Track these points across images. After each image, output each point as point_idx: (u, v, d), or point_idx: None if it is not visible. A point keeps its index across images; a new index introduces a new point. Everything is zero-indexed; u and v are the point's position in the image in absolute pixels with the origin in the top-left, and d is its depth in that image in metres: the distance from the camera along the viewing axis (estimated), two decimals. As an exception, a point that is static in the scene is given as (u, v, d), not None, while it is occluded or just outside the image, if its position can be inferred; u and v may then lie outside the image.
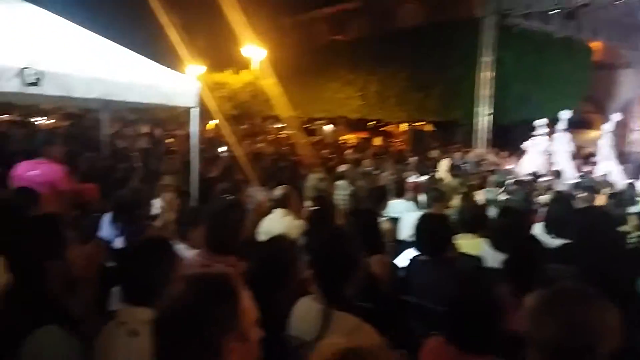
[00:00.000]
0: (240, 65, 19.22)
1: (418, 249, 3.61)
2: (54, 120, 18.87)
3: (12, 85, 4.88)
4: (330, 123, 23.07)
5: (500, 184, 8.13)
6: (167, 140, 13.12)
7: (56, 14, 6.13)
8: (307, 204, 5.32)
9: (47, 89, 5.07)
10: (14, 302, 2.11)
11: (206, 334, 1.34)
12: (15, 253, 2.16)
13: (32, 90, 4.99)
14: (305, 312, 2.49)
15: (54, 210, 3.72)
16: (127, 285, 2.14)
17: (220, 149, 10.37)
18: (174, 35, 15.43)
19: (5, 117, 16.74)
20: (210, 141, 11.01)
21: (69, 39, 5.81)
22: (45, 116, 19.55)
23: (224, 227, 3.08)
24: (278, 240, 2.80)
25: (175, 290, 1.43)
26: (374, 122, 21.39)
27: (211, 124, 17.42)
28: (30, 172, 5.00)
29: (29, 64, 4.94)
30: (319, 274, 2.54)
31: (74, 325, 2.06)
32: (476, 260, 3.80)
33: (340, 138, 20.23)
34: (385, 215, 5.49)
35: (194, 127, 6.35)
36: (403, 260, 3.94)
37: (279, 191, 4.90)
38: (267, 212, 4.95)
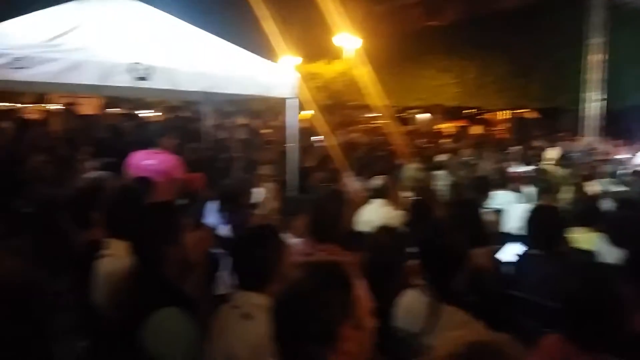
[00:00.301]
0: (334, 55, 19.27)
1: (528, 242, 3.43)
2: (158, 113, 19.94)
3: (124, 80, 5.20)
4: (425, 112, 22.60)
5: (613, 175, 7.57)
6: (263, 131, 13.44)
7: (159, 9, 6.42)
8: (405, 194, 5.23)
9: (155, 82, 5.35)
10: (136, 283, 2.24)
11: (322, 320, 1.35)
12: (137, 238, 2.29)
13: (142, 84, 5.30)
14: (411, 304, 2.45)
15: (166, 198, 3.92)
16: (239, 271, 2.20)
17: (314, 139, 10.48)
18: (268, 26, 15.75)
19: (115, 110, 18.00)
20: (304, 131, 11.16)
21: (174, 33, 6.07)
22: (150, 109, 20.75)
23: (327, 215, 3.09)
24: (386, 231, 2.76)
25: (292, 276, 1.44)
26: (471, 110, 20.70)
27: (304, 114, 17.67)
28: (146, 161, 5.31)
29: (139, 60, 5.24)
30: (425, 266, 2.48)
31: (190, 307, 2.16)
32: (591, 255, 3.56)
33: (436, 127, 19.77)
34: (489, 206, 5.28)
35: (291, 117, 6.43)
36: (507, 254, 3.78)
37: (377, 181, 4.86)
38: (364, 202, 4.93)
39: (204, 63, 5.73)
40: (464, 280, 2.46)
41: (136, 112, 17.38)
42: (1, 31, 5.24)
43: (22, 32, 5.27)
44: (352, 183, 6.08)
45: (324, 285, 1.38)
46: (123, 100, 18.58)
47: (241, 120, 15.48)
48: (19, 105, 19.92)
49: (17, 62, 4.80)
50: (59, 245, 4.66)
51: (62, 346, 3.45)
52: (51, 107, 19.68)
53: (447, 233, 2.58)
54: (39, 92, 17.86)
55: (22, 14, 5.62)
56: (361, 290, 1.43)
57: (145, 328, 2.09)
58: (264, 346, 1.83)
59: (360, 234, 3.71)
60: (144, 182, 3.65)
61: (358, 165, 6.95)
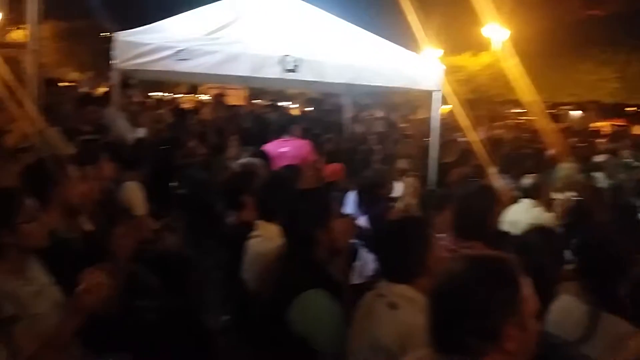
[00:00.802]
0: (479, 46, 18.47)
1: None
2: (295, 105, 20.65)
3: (275, 72, 5.45)
4: (579, 109, 20.88)
5: None
6: (401, 125, 13.30)
7: (307, 2, 6.56)
8: (557, 195, 4.86)
9: (303, 74, 5.54)
10: (286, 265, 2.32)
11: (486, 316, 1.29)
12: (290, 221, 2.37)
13: (291, 76, 5.50)
14: (566, 310, 2.28)
15: (307, 183, 4.02)
16: (384, 263, 2.18)
17: (456, 134, 10.14)
18: (410, 17, 15.48)
19: (258, 101, 18.98)
20: (444, 126, 10.87)
21: (320, 26, 6.20)
22: (289, 101, 21.55)
23: (474, 212, 2.96)
24: (540, 232, 2.59)
25: (453, 269, 1.38)
26: (633, 108, 18.72)
27: (444, 108, 17.15)
28: (281, 148, 5.62)
29: (288, 52, 5.44)
30: (584, 271, 2.30)
31: (336, 291, 2.20)
32: None
33: (591, 125, 18.17)
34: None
35: (435, 111, 6.30)
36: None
37: (527, 180, 4.57)
38: (511, 201, 4.67)
39: (349, 55, 5.80)
40: (627, 289, 2.24)
41: (278, 103, 18.15)
42: (166, 26, 5.74)
43: (185, 26, 5.72)
44: (497, 180, 5.78)
45: (490, 280, 1.32)
46: (265, 92, 19.56)
47: (378, 113, 15.48)
48: (174, 95, 21.86)
49: (180, 55, 5.23)
50: (210, 225, 5.02)
51: (209, 318, 3.72)
52: (202, 97, 21.33)
53: (611, 238, 2.37)
54: (193, 83, 19.40)
55: (185, 11, 6.09)
56: (528, 289, 1.34)
57: (293, 308, 2.16)
58: (411, 336, 1.84)
59: (507, 234, 3.51)
60: (293, 169, 3.79)
61: (504, 162, 6.58)
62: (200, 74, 6.14)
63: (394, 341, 1.90)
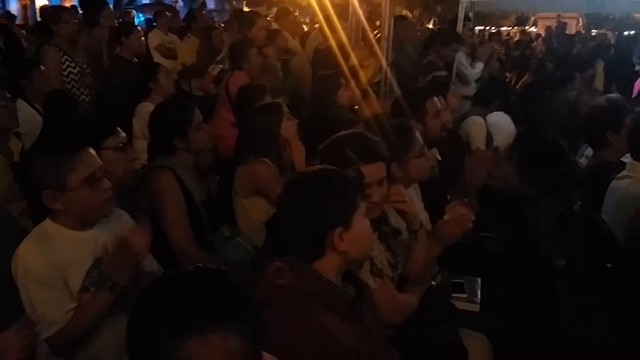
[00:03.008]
0: None
1: None
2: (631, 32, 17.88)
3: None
4: None
5: None
6: None
7: None
8: None
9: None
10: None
11: None
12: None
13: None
14: None
15: None
16: None
17: None
18: None
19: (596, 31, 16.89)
20: None
21: None
22: (633, 30, 18.67)
23: None
24: None
25: None
26: None
27: None
28: None
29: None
30: None
31: None
32: None
33: None
34: None
35: None
36: None
37: None
38: None
39: None
40: None
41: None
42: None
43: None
44: None
45: None
46: (607, 19, 17.50)
47: None
48: (500, 28, 20.95)
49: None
50: (549, 163, 4.83)
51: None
52: (530, 30, 20.05)
53: None
54: (525, 14, 18.32)
55: None
56: None
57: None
58: None
59: None
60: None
61: None
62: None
63: None
